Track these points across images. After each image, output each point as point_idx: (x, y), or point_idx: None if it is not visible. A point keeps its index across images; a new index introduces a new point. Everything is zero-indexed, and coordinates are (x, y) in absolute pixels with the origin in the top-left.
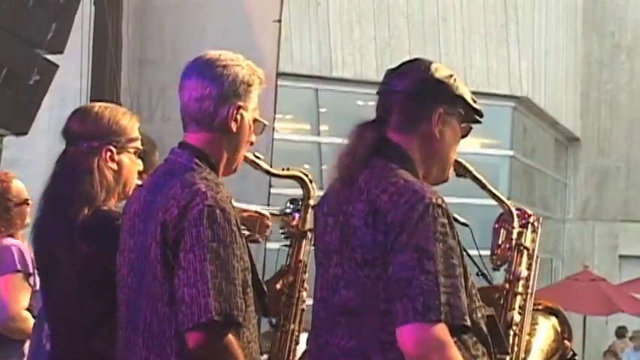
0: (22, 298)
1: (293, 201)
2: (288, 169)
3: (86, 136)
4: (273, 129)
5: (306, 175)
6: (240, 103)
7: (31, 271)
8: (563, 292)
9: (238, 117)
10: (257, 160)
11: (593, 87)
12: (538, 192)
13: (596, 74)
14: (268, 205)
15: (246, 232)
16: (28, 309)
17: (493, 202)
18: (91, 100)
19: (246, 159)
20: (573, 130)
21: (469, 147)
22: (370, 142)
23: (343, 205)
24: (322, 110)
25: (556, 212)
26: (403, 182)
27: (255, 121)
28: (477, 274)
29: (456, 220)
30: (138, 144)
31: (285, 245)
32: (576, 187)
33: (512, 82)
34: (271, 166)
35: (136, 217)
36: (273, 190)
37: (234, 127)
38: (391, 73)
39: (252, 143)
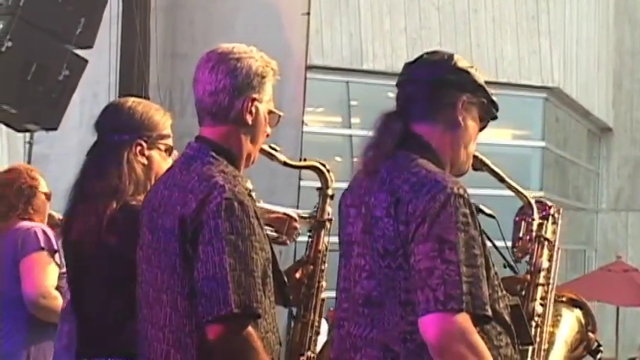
0: (50, 276)
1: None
2: (304, 160)
3: (117, 129)
4: (303, 122)
5: (323, 165)
6: (255, 95)
7: (55, 248)
8: (596, 282)
9: (253, 109)
10: (273, 152)
11: (626, 76)
12: (571, 183)
13: (628, 64)
14: (298, 199)
15: (274, 234)
16: (56, 289)
17: (513, 194)
18: (120, 96)
19: (262, 151)
20: (606, 121)
21: (501, 138)
22: (395, 133)
23: (366, 197)
24: (353, 103)
25: (589, 203)
26: (425, 172)
27: (270, 112)
28: (504, 266)
29: (481, 211)
30: (169, 141)
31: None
32: (609, 177)
33: (543, 73)
34: (301, 159)
35: (155, 211)
36: (303, 183)
37: (249, 119)
38: (410, 65)
39: (268, 135)
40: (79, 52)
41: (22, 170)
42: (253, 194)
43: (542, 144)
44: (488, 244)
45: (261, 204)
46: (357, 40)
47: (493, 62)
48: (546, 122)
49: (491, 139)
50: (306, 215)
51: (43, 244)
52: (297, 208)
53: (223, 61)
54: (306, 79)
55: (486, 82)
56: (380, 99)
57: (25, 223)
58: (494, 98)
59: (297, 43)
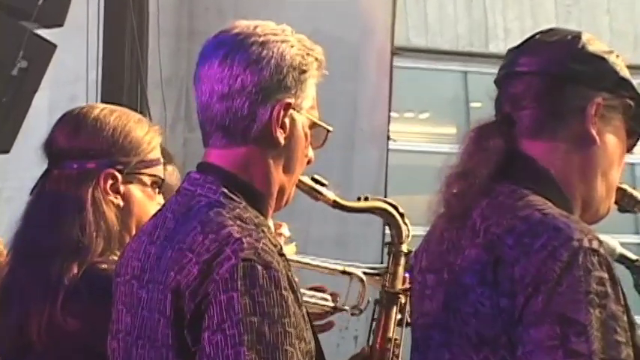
0: None
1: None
2: (366, 199)
3: (77, 153)
4: (389, 137)
5: (395, 207)
6: (290, 100)
7: None
8: None
9: (287, 121)
10: (317, 187)
11: None
12: None
13: None
14: (383, 252)
15: (325, 305)
16: None
17: None
18: (105, 99)
19: (300, 185)
20: None
21: None
22: (494, 156)
23: (449, 255)
24: (473, 105)
25: None
26: (539, 216)
27: (313, 126)
28: None
29: (625, 260)
30: (157, 170)
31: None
32: None
33: None
34: (386, 196)
35: (136, 280)
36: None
37: (281, 136)
38: (516, 51)
39: (310, 161)
40: (42, 32)
41: None
42: (291, 246)
43: None
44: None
45: (300, 259)
46: (479, 9)
47: None
48: None
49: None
50: (378, 271)
51: None
52: (382, 263)
53: (241, 48)
54: (392, 69)
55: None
56: None
57: None
58: None
59: (379, 16)
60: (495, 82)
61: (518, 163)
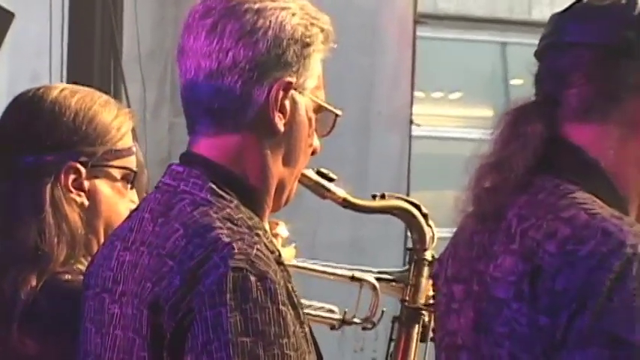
0: None
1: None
2: (383, 197)
3: (32, 144)
4: (412, 121)
5: (417, 207)
6: (291, 79)
7: None
8: None
9: (287, 103)
10: (324, 182)
11: None
12: None
13: None
14: (405, 257)
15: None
16: None
17: None
18: (71, 79)
19: (304, 180)
20: None
21: None
22: (535, 144)
23: (479, 263)
24: (514, 82)
25: None
26: (586, 218)
27: (319, 109)
28: None
29: None
30: (129, 161)
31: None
32: None
33: None
34: (408, 192)
35: (107, 292)
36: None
37: (280, 122)
38: (563, 16)
39: (315, 151)
40: None
41: None
42: (289, 248)
43: None
44: None
45: (299, 263)
46: None
47: None
48: None
49: None
50: (395, 276)
51: None
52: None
53: (233, 16)
54: (415, 40)
55: None
56: None
57: None
58: None
59: None
60: (536, 54)
61: (562, 152)
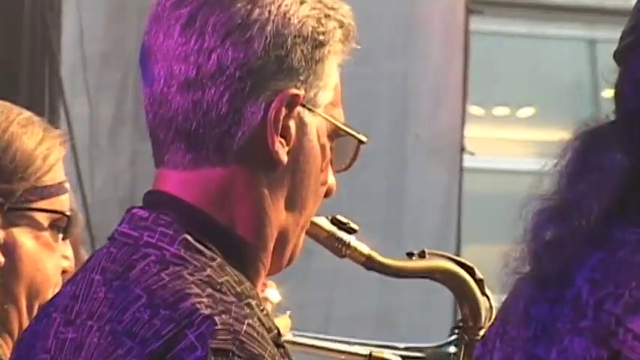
0: None
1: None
2: (422, 255)
3: None
4: (463, 148)
5: (469, 270)
6: (297, 91)
7: None
8: None
9: (292, 125)
10: (341, 234)
11: None
12: None
13: None
14: (455, 313)
15: None
16: None
17: None
18: None
19: (315, 231)
20: None
21: None
22: (613, 182)
23: (538, 346)
24: (605, 94)
25: None
26: None
27: (335, 133)
28: None
29: None
30: (60, 201)
31: None
32: None
33: None
34: (459, 247)
35: None
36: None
37: (281, 151)
38: None
39: (329, 192)
40: None
41: None
42: (283, 318)
43: None
44: None
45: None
46: None
47: None
48: None
49: None
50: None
51: None
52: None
53: (218, 5)
54: (468, 35)
55: None
56: None
57: None
58: None
59: None
60: (615, 56)
61: None
